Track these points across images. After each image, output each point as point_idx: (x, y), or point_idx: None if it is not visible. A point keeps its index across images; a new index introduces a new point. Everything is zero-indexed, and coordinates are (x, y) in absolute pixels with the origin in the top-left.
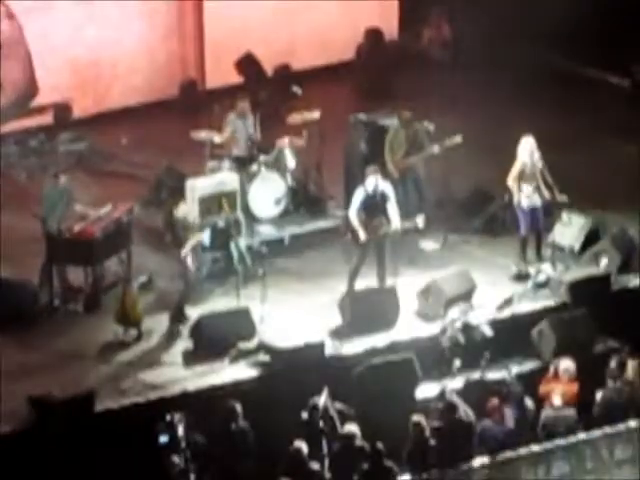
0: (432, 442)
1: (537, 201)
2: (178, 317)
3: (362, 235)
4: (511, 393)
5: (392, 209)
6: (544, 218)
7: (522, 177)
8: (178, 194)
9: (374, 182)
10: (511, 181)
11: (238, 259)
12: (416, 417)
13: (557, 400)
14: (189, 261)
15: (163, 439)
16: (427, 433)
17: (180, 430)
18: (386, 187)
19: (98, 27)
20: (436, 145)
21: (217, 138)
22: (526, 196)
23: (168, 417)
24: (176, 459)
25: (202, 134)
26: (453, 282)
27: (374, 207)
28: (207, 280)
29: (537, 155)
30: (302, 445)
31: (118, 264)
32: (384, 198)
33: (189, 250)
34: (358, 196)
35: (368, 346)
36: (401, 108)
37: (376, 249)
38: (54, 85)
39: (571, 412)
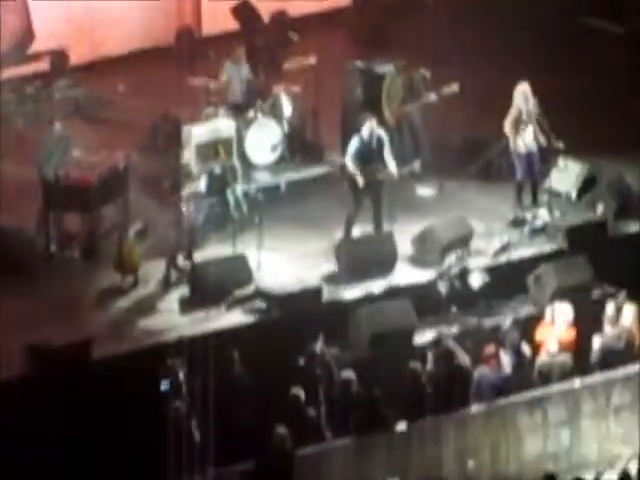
0: (428, 389)
1: (533, 146)
2: (174, 264)
3: (360, 180)
4: (508, 339)
5: (387, 155)
6: (540, 164)
7: (518, 122)
8: (175, 141)
9: (370, 129)
10: (507, 127)
11: (234, 206)
12: (412, 363)
13: (553, 346)
14: (184, 208)
15: (165, 386)
16: (423, 380)
17: (181, 376)
18: (382, 134)
19: None
20: (433, 93)
21: (213, 85)
22: (522, 141)
23: (169, 362)
24: (178, 404)
25: (198, 81)
26: (450, 228)
27: (370, 154)
28: (203, 227)
29: (533, 101)
30: (300, 391)
31: (114, 211)
32: (380, 145)
33: (186, 197)
34: (354, 143)
35: (365, 292)
36: (398, 55)
37: (372, 195)
38: (51, 32)
39: (567, 358)
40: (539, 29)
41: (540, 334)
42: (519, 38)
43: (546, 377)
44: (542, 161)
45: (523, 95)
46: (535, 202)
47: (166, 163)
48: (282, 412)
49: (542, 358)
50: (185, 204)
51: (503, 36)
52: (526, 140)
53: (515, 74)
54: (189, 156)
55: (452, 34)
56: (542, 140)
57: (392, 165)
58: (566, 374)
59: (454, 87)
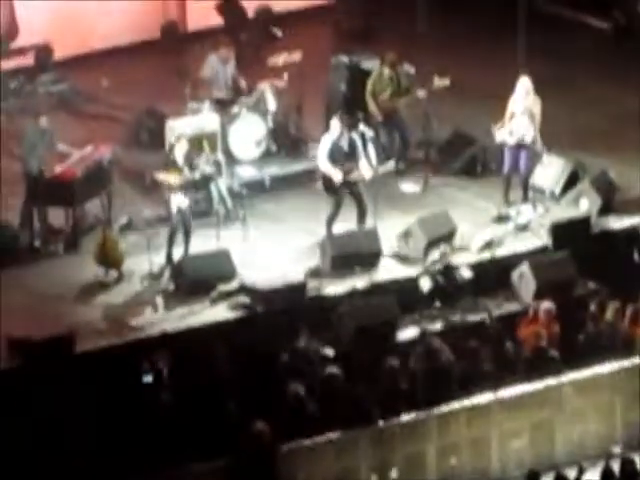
0: (409, 385)
1: (522, 140)
2: (168, 258)
3: (337, 176)
4: (491, 335)
5: (370, 152)
6: (527, 160)
7: (513, 114)
8: (159, 136)
9: (339, 128)
10: (506, 117)
11: (218, 200)
12: (391, 360)
13: (542, 342)
14: (172, 203)
15: (147, 379)
16: (402, 376)
17: (165, 371)
18: (364, 131)
19: None
20: (423, 89)
21: (197, 79)
22: (513, 133)
23: (153, 357)
24: (163, 397)
25: (183, 75)
26: (433, 224)
27: (342, 153)
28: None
29: (532, 96)
30: (299, 388)
31: (99, 205)
32: (353, 144)
33: (171, 192)
34: (325, 143)
35: (349, 288)
36: (385, 50)
37: (352, 192)
38: (35, 27)
39: (555, 354)
40: (525, 24)
41: (523, 330)
42: (508, 32)
43: (535, 373)
44: (529, 157)
45: (523, 88)
46: (525, 197)
47: (150, 158)
48: (266, 407)
49: (531, 354)
50: (170, 199)
51: (489, 32)
52: (517, 133)
53: (501, 70)
54: (175, 148)
55: (439, 28)
56: (530, 136)
57: (370, 164)
58: (553, 370)
59: (445, 82)
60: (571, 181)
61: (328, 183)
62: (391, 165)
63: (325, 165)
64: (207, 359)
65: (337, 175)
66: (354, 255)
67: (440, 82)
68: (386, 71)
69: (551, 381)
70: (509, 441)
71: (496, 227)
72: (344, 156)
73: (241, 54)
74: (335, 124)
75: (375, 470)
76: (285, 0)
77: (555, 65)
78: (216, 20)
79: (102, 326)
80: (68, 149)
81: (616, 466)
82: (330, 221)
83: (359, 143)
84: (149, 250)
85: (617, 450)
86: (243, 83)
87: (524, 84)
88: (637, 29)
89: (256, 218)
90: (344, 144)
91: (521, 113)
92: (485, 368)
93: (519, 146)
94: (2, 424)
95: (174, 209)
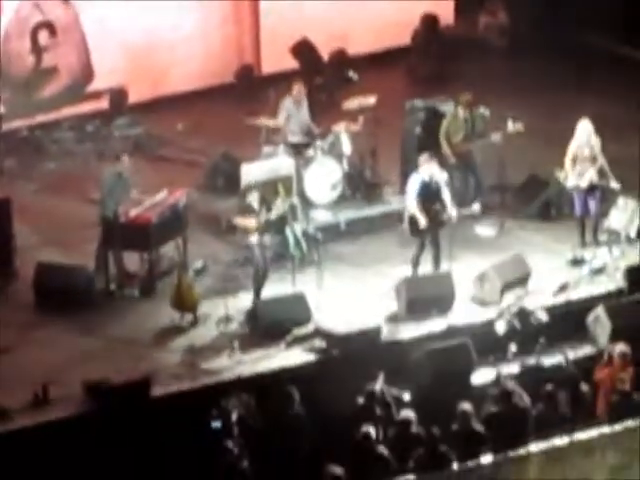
0: (479, 429)
1: (589, 183)
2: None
3: (422, 222)
4: (567, 379)
5: (446, 196)
6: (598, 202)
7: (576, 159)
8: (234, 180)
9: (429, 169)
10: (567, 162)
11: (294, 244)
12: (462, 405)
13: (625, 385)
14: (256, 247)
15: (216, 425)
16: (473, 421)
17: (234, 416)
18: (440, 174)
19: (154, 13)
20: (499, 133)
21: (272, 123)
22: (579, 177)
23: (222, 403)
24: (230, 444)
25: (257, 120)
26: (509, 268)
27: (430, 194)
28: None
29: (593, 139)
30: (370, 429)
31: (174, 249)
32: (439, 185)
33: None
34: (414, 184)
35: (424, 331)
36: (459, 92)
37: (431, 235)
38: (110, 70)
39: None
40: (599, 66)
41: (598, 374)
42: (579, 76)
43: (619, 416)
44: (599, 199)
45: (584, 132)
46: (595, 240)
47: (226, 202)
48: (341, 452)
49: (615, 397)
50: (255, 242)
51: (563, 75)
52: (583, 177)
53: (575, 113)
54: (249, 195)
55: (512, 73)
56: (596, 178)
57: (451, 207)
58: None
59: (519, 127)
60: None
61: (414, 225)
62: (477, 207)
63: (413, 207)
64: (282, 402)
65: (422, 221)
66: (429, 298)
67: (514, 127)
68: (461, 112)
69: (630, 424)
70: None
71: (571, 270)
72: (432, 197)
73: (316, 98)
74: (426, 165)
75: None
76: (360, 43)
77: (632, 107)
78: (291, 64)
79: (178, 370)
80: (143, 194)
81: None
82: (415, 261)
83: (444, 186)
84: (224, 294)
85: None
86: (315, 129)
87: (585, 127)
88: None
89: (331, 262)
90: (432, 185)
91: (583, 156)
92: (561, 411)
93: (588, 189)
94: (79, 469)
95: (256, 251)
